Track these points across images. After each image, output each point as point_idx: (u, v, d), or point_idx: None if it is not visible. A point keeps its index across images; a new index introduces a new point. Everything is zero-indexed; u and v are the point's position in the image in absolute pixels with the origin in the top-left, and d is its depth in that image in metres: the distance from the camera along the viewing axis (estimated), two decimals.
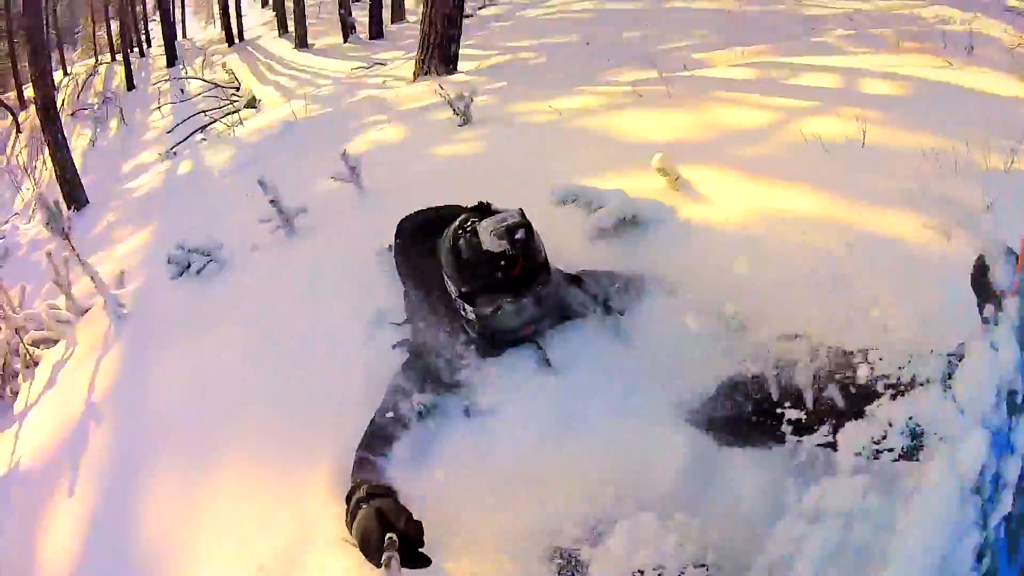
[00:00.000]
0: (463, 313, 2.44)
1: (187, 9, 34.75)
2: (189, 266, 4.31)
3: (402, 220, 2.98)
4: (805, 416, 1.84)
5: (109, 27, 29.30)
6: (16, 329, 4.59)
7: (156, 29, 28.92)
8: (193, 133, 12.14)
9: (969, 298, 1.60)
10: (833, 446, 1.70)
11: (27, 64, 12.11)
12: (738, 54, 6.84)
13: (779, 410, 1.87)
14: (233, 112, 12.32)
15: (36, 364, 4.51)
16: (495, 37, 12.20)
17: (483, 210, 2.44)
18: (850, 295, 2.25)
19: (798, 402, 1.87)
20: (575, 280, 2.64)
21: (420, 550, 1.84)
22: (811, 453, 1.83)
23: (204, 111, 13.48)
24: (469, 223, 2.38)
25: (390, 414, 2.36)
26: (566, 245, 3.21)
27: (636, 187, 3.43)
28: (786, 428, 1.86)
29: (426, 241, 2.68)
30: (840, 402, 1.78)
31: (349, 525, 2.02)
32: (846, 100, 3.82)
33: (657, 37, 9.00)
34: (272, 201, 4.30)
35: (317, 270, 3.84)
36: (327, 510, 2.41)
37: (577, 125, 4.92)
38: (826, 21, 8.44)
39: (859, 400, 1.71)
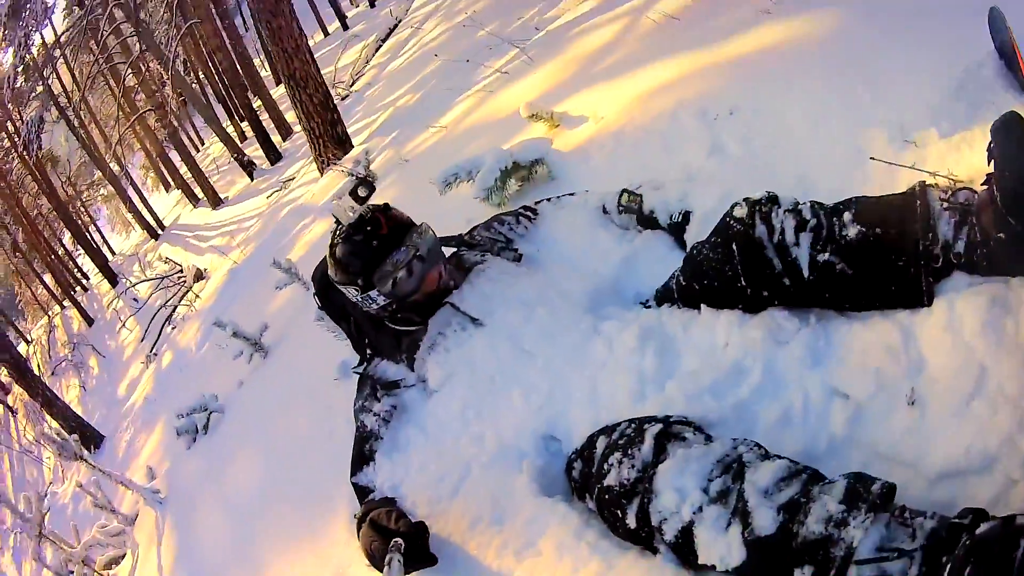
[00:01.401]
0: (373, 308, 2.47)
1: (103, 229, 35.19)
2: (197, 428, 4.57)
3: (312, 274, 3.03)
4: None
5: (43, 281, 29.70)
6: (83, 561, 4.72)
7: (87, 261, 29.28)
8: (162, 328, 12.32)
9: None
10: None
11: None
12: None
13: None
14: (187, 292, 12.48)
15: None
16: (374, 102, 12.32)
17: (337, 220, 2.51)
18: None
19: None
20: (459, 240, 2.75)
21: (427, 550, 1.89)
22: None
23: (163, 305, 13.63)
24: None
25: (361, 435, 2.45)
26: (466, 220, 3.31)
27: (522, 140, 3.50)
28: None
29: (330, 283, 2.73)
30: None
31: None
32: None
33: (507, 20, 9.07)
34: (234, 333, 4.47)
35: (294, 369, 4.06)
36: (354, 544, 2.48)
37: (462, 128, 5.07)
38: None
39: None
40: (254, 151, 18.30)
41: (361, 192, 2.40)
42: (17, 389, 14.93)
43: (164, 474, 4.90)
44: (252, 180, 17.46)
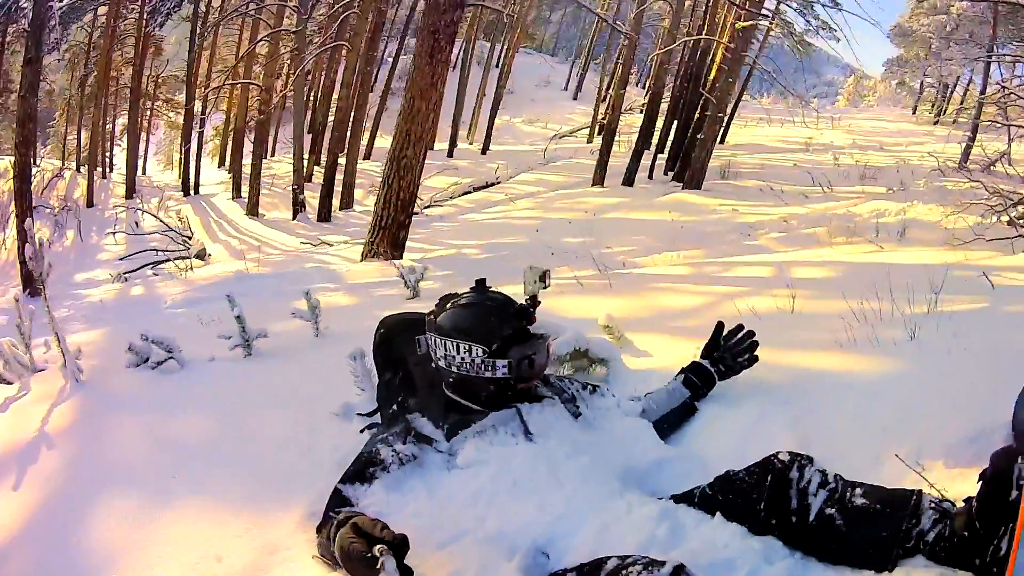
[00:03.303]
0: (486, 373, 2.72)
1: (150, 147, 35.10)
2: (148, 359, 4.35)
3: (383, 319, 3.25)
4: None
5: (80, 135, 29.50)
6: None
7: (120, 156, 29.17)
8: (144, 266, 12.27)
9: None
10: None
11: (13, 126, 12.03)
12: (675, 257, 7.24)
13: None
14: (184, 257, 12.48)
15: None
16: (440, 235, 12.68)
17: (481, 283, 2.92)
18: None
19: None
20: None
21: (404, 562, 1.95)
22: None
23: (156, 249, 13.60)
24: (468, 293, 2.88)
25: (372, 457, 2.60)
26: None
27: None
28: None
29: (410, 331, 3.05)
30: None
31: (325, 550, 2.32)
32: (777, 284, 4.14)
33: (597, 243, 9.45)
34: (238, 317, 4.44)
35: (280, 382, 4.10)
36: (297, 537, 2.64)
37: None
38: (760, 226, 8.94)
39: None
40: (311, 196, 18.67)
41: (547, 278, 3.07)
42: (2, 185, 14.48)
43: (90, 367, 4.49)
44: (293, 219, 17.71)
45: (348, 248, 11.86)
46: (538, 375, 2.79)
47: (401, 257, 9.04)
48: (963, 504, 2.07)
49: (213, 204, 21.61)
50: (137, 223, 18.09)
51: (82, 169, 27.03)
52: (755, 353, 3.06)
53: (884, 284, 3.62)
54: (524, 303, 2.82)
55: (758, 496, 2.26)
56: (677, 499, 2.45)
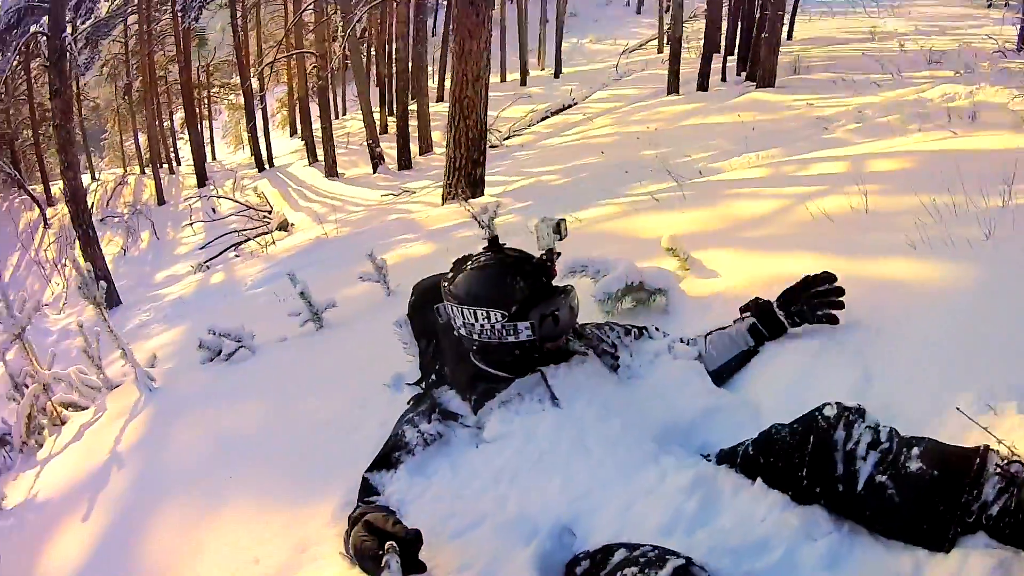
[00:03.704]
0: (509, 338, 2.54)
1: (215, 132, 35.74)
2: (220, 352, 4.48)
3: (417, 283, 3.14)
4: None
5: (137, 138, 30.23)
6: (44, 385, 4.67)
7: (184, 148, 29.88)
8: (226, 250, 12.44)
9: None
10: None
11: (57, 154, 12.36)
12: (752, 159, 7.02)
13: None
14: (265, 233, 12.61)
15: (63, 423, 4.62)
16: (520, 165, 12.55)
17: (494, 241, 2.71)
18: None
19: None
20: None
21: (418, 557, 1.90)
22: None
23: (237, 230, 13.79)
24: (482, 254, 2.68)
25: (397, 441, 2.52)
26: (581, 316, 3.39)
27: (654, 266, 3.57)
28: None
29: (439, 297, 2.81)
30: None
31: (347, 543, 2.23)
32: (853, 181, 3.92)
33: (675, 152, 9.23)
34: (302, 293, 4.49)
35: (343, 355, 4.06)
36: (330, 531, 2.59)
37: (596, 229, 5.10)
38: (836, 119, 8.64)
39: None
40: (388, 148, 18.70)
41: (563, 229, 2.70)
42: (62, 210, 14.96)
43: (165, 370, 4.85)
44: (374, 173, 17.79)
45: (431, 192, 11.86)
46: (565, 331, 2.58)
47: (482, 194, 9.05)
48: None
49: (290, 173, 21.75)
50: (214, 209, 18.34)
51: (146, 171, 27.53)
52: (836, 313, 2.66)
53: (956, 175, 3.32)
54: (541, 257, 2.62)
55: (800, 460, 1.97)
56: (721, 457, 2.25)
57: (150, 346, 6.16)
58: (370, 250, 5.11)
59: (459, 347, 2.67)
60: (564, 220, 2.74)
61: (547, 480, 2.21)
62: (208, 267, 11.64)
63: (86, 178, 25.87)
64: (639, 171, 8.07)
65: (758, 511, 1.99)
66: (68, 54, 11.06)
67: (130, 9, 25.73)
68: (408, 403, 2.79)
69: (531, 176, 10.64)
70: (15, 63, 21.93)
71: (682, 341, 2.84)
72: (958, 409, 2.03)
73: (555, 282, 2.61)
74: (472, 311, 2.55)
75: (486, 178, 9.40)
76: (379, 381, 3.40)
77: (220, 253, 12.49)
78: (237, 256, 11.57)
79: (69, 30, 21.36)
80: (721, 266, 3.52)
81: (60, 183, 14.28)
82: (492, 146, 14.64)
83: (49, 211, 22.36)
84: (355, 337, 4.32)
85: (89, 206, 12.07)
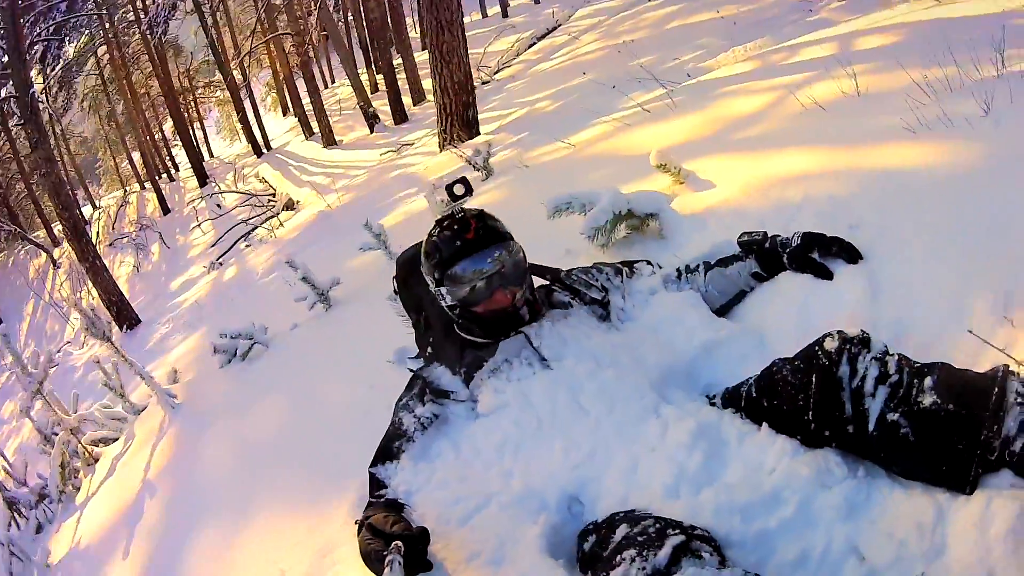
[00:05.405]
0: (444, 305, 2.47)
1: (208, 130, 35.78)
2: (236, 352, 4.50)
3: (398, 256, 3.01)
4: None
5: (131, 158, 30.43)
6: (71, 430, 4.74)
7: (181, 153, 29.94)
8: (236, 242, 12.41)
9: None
10: None
11: (49, 200, 12.49)
12: (739, 52, 6.86)
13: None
14: (272, 217, 12.56)
15: (96, 461, 4.69)
16: (512, 96, 12.39)
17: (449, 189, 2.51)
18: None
19: None
20: (555, 275, 2.67)
21: (425, 555, 1.87)
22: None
23: (244, 220, 13.75)
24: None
25: (395, 430, 2.43)
26: (576, 255, 3.32)
27: (641, 191, 3.45)
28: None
29: (416, 269, 2.71)
30: None
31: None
32: (841, 62, 3.77)
33: (663, 57, 9.06)
34: (303, 278, 4.45)
35: (350, 335, 4.01)
36: (347, 532, 2.55)
37: (588, 153, 4.99)
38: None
39: None
40: (381, 105, 18.51)
41: (457, 190, 2.43)
42: (67, 246, 15.15)
43: (186, 383, 4.88)
44: (371, 133, 17.67)
45: (429, 141, 11.75)
46: (493, 302, 2.39)
47: (477, 134, 8.97)
48: None
49: (289, 152, 21.60)
50: (219, 205, 18.28)
51: (146, 185, 27.57)
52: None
53: (946, 45, 3.14)
54: (449, 213, 2.45)
55: (804, 402, 1.85)
56: (727, 399, 2.14)
57: (172, 359, 6.22)
58: (378, 211, 5.05)
59: (445, 317, 2.56)
60: (463, 180, 2.47)
61: (548, 448, 2.13)
62: (221, 263, 11.64)
63: (87, 209, 26.08)
64: (628, 84, 7.92)
65: (767, 460, 1.89)
66: (41, 106, 11.06)
67: (98, 42, 25.74)
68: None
69: (524, 106, 10.52)
70: None
71: (679, 273, 2.71)
72: (970, 332, 1.90)
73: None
74: (427, 278, 2.51)
75: (480, 116, 9.28)
76: (385, 357, 3.28)
77: (231, 247, 12.44)
78: (248, 246, 11.52)
79: (40, 79, 21.38)
80: (715, 175, 3.40)
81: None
82: (484, 82, 14.46)
83: (56, 251, 22.55)
84: (361, 312, 4.28)
85: (94, 237, 12.09)
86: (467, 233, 2.38)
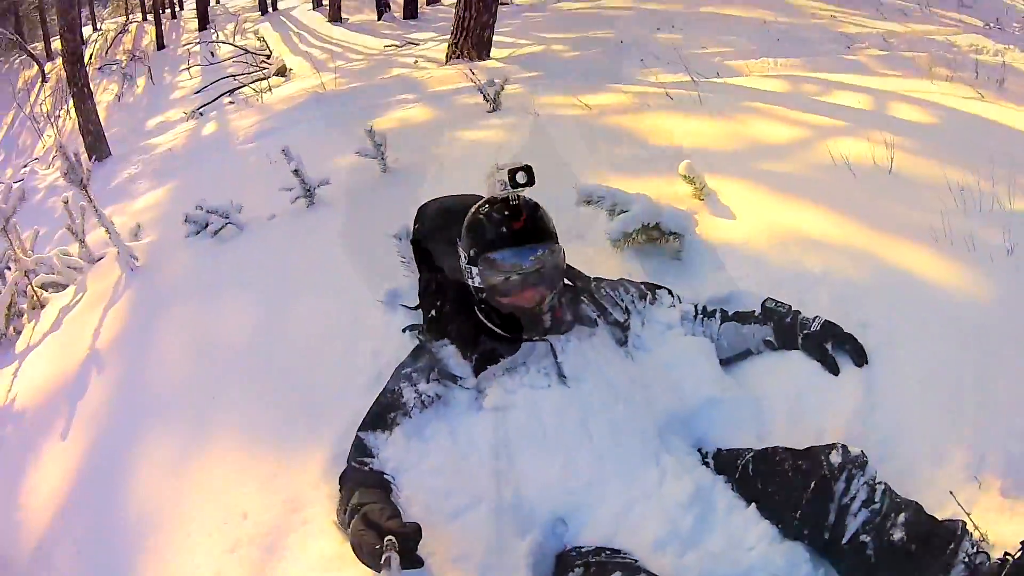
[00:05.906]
0: (471, 281, 2.44)
1: None
2: (207, 226, 4.27)
3: (423, 205, 2.96)
4: None
5: None
6: (25, 272, 4.56)
7: None
8: (221, 96, 12.01)
9: None
10: None
11: (56, 16, 11.97)
12: (771, 65, 6.85)
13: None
14: (262, 79, 12.23)
15: (43, 307, 4.47)
16: (529, 27, 12.12)
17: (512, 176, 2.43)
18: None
19: None
20: (585, 286, 2.68)
21: (416, 552, 1.85)
22: None
23: (233, 75, 13.37)
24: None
25: (393, 400, 2.38)
26: (588, 244, 3.31)
27: (661, 193, 3.46)
28: None
29: (446, 228, 2.67)
30: None
31: (341, 514, 2.12)
32: (876, 123, 3.81)
33: (691, 40, 8.98)
34: (295, 171, 4.26)
35: (334, 245, 3.82)
36: (319, 491, 2.43)
37: (605, 122, 4.87)
38: (860, 39, 8.43)
39: None
40: None
41: (520, 178, 2.35)
42: (60, 63, 14.65)
43: (148, 243, 4.60)
44: (379, 20, 17.14)
45: (435, 47, 11.49)
46: (521, 299, 2.36)
47: (488, 57, 8.80)
48: (997, 561, 1.80)
49: (293, 17, 20.74)
50: (213, 53, 17.62)
51: (148, 17, 26.26)
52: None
53: (983, 151, 3.23)
54: (504, 198, 2.38)
55: (796, 501, 2.02)
56: (720, 462, 2.25)
57: (136, 207, 5.88)
58: (367, 117, 4.91)
59: (464, 292, 2.51)
60: (526, 168, 2.36)
61: (548, 463, 2.18)
62: (201, 113, 11.24)
63: (87, 29, 24.91)
64: (652, 57, 7.87)
65: (748, 538, 2.04)
66: None
67: None
68: (404, 331, 2.73)
69: (540, 42, 10.30)
70: None
71: (697, 313, 2.75)
72: (951, 493, 2.05)
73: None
74: (460, 249, 2.47)
75: (493, 39, 9.08)
76: (373, 290, 3.20)
77: (215, 99, 12.04)
78: (232, 103, 11.14)
79: None
80: (737, 203, 3.45)
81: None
82: (502, 3, 14.15)
83: (48, 65, 21.54)
84: (348, 222, 4.07)
85: (87, 59, 11.57)
86: (516, 222, 2.33)
